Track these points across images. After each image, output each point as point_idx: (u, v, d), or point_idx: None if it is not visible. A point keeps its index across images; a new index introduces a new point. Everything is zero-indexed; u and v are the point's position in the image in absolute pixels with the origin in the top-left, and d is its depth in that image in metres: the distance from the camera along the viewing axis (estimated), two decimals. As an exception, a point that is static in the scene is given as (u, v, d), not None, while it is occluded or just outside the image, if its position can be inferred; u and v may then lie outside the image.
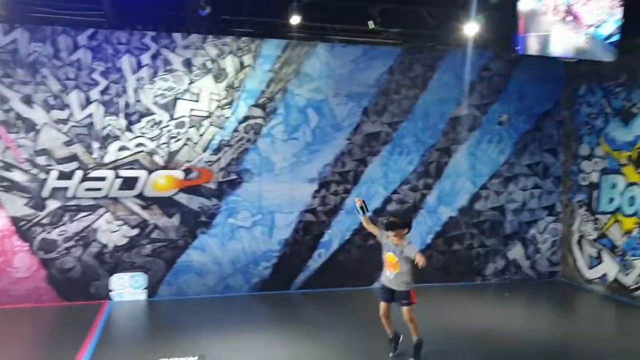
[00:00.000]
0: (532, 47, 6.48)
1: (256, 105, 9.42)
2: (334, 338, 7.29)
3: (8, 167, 8.51)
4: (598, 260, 9.95)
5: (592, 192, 10.12)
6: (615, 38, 6.70)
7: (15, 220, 8.58)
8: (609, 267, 9.69)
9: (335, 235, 9.91)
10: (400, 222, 6.39)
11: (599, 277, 9.94)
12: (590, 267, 10.16)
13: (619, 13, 6.76)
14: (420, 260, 5.97)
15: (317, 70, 9.62)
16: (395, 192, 10.14)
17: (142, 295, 9.07)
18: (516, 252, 10.75)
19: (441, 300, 9.31)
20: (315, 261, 9.82)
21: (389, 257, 6.44)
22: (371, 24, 8.56)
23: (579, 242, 10.43)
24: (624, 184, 9.37)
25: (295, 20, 8.29)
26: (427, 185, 10.29)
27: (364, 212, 6.68)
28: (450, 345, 7.19)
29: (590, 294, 9.93)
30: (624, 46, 7.64)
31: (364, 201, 6.74)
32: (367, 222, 6.77)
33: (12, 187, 8.55)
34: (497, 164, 10.59)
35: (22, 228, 8.61)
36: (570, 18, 6.47)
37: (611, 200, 9.66)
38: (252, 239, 9.50)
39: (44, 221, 8.69)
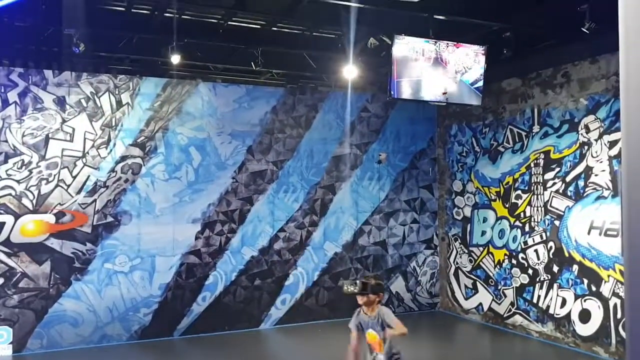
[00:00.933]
0: (405, 91, 6.84)
1: (135, 145, 9.07)
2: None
3: None
4: (474, 290, 10.51)
5: (465, 225, 10.75)
6: (479, 84, 7.23)
7: None
8: (484, 297, 10.26)
9: (221, 276, 9.67)
10: (374, 285, 5.02)
11: (474, 307, 10.49)
12: (467, 298, 10.70)
13: (482, 61, 7.34)
14: (402, 331, 4.87)
15: (199, 109, 9.49)
16: (282, 229, 10.14)
17: (7, 351, 8.22)
18: (398, 285, 11.09)
19: (329, 337, 9.33)
20: (200, 305, 9.49)
21: (370, 336, 5.06)
22: (254, 65, 8.62)
23: (456, 274, 10.98)
24: (494, 218, 10.05)
25: (175, 59, 8.16)
26: (312, 222, 10.39)
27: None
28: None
29: (468, 323, 10.44)
30: (489, 89, 8.31)
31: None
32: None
33: None
34: (378, 200, 10.96)
35: None
36: (439, 64, 6.92)
37: (483, 233, 10.31)
38: (130, 284, 9.01)
39: None
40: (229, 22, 7.86)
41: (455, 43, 7.07)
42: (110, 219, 8.89)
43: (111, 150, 8.91)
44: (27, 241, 8.39)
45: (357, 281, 5.01)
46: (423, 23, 7.17)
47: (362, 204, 10.82)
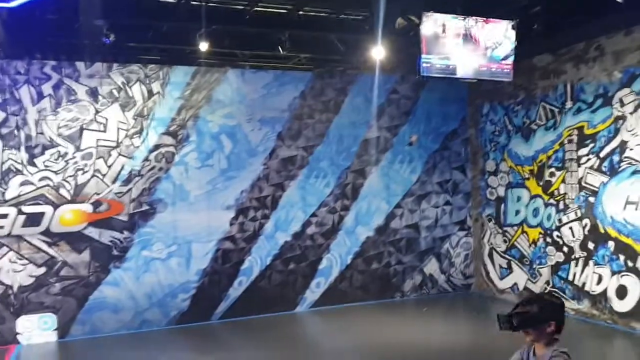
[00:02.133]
0: (435, 69, 6.79)
1: (167, 133, 9.22)
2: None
3: None
4: (508, 270, 10.42)
5: (499, 205, 10.64)
6: (510, 59, 7.13)
7: None
8: (519, 277, 10.17)
9: (256, 261, 9.80)
10: (536, 312, 3.04)
11: (509, 287, 10.40)
12: (502, 278, 10.62)
13: (512, 36, 7.22)
14: None
15: (228, 96, 9.58)
16: (313, 215, 10.20)
17: (52, 337, 8.53)
18: (432, 267, 11.06)
19: (363, 319, 9.40)
20: (236, 289, 9.64)
21: None
22: (281, 49, 8.64)
23: (490, 255, 10.90)
24: (528, 197, 9.92)
25: (203, 46, 8.24)
26: (344, 206, 10.42)
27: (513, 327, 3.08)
28: (369, 356, 7.25)
29: (503, 303, 10.33)
30: (520, 66, 8.17)
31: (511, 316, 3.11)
32: None
33: None
34: (410, 183, 10.91)
35: None
36: (469, 41, 6.84)
37: (517, 212, 10.19)
38: (168, 270, 9.20)
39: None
40: (255, 8, 7.89)
41: (484, 19, 6.97)
42: (145, 207, 9.08)
43: (144, 140, 9.08)
44: (66, 230, 8.64)
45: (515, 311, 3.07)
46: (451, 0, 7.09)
47: (394, 187, 10.79)
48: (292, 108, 10.02)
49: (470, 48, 6.89)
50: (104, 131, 8.87)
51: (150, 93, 9.14)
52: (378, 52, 8.82)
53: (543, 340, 3.07)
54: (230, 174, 9.59)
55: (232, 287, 9.62)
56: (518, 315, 3.06)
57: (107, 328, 8.86)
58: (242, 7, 7.92)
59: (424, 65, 6.69)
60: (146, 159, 9.09)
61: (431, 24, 6.76)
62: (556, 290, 9.26)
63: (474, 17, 6.88)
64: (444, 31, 6.86)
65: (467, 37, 6.86)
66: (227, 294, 9.59)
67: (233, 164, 9.61)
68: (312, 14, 8.38)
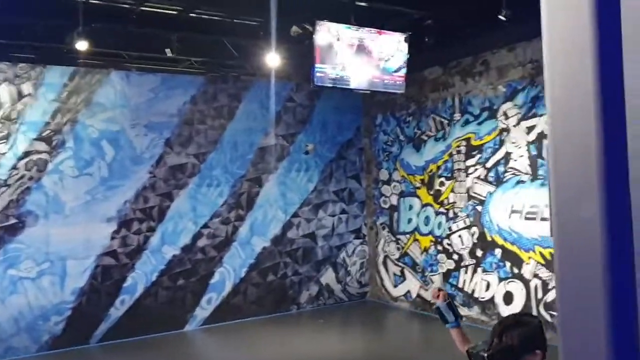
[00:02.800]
0: (328, 79, 6.63)
1: (39, 139, 8.37)
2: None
3: None
4: (402, 278, 10.53)
5: (392, 214, 10.74)
6: (403, 72, 7.14)
7: None
8: (412, 284, 10.30)
9: (140, 278, 9.15)
10: (516, 344, 2.55)
11: (403, 295, 10.51)
12: (395, 286, 10.71)
13: (405, 49, 7.24)
14: None
15: (111, 100, 8.88)
16: (205, 226, 9.72)
17: None
18: (328, 276, 10.94)
19: (258, 334, 9.07)
20: (118, 309, 8.93)
21: None
22: (169, 52, 8.14)
23: (384, 263, 10.97)
24: (419, 206, 10.07)
25: (82, 45, 7.55)
26: (239, 217, 10.04)
27: (446, 320, 3.27)
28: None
29: (397, 311, 10.45)
30: (411, 78, 8.26)
31: (449, 298, 3.37)
32: (460, 338, 3.25)
33: None
34: (307, 192, 10.74)
35: None
36: (362, 52, 6.74)
37: (409, 221, 10.33)
38: (39, 291, 8.33)
39: None
40: (142, 8, 7.37)
41: (377, 30, 6.92)
42: (13, 220, 8.17)
43: (12, 146, 8.17)
44: None
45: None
46: (345, 9, 6.98)
47: (290, 196, 10.57)
48: (182, 113, 9.49)
49: (364, 59, 6.80)
50: (-37, 136, 7.89)
51: (20, 94, 8.25)
52: (272, 59, 8.58)
53: None
54: (112, 183, 8.89)
55: (114, 307, 8.90)
56: (497, 355, 2.53)
57: (-33, 357, 7.86)
58: (128, 5, 7.36)
59: (318, 74, 6.51)
60: (14, 167, 8.19)
61: (325, 33, 6.60)
62: (449, 295, 9.43)
63: (367, 28, 6.81)
64: (338, 40, 6.71)
65: (361, 48, 6.76)
66: (107, 314, 8.85)
67: (115, 173, 8.92)
68: (204, 16, 7.98)
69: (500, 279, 8.49)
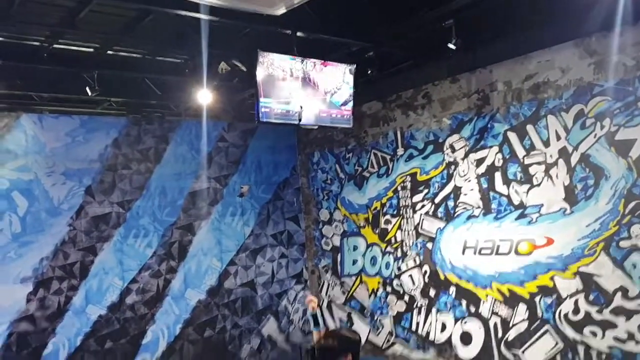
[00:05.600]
0: (274, 114, 6.12)
1: (-64, 193, 7.27)
2: None
3: None
4: (349, 323, 9.98)
5: (335, 255, 10.24)
6: (350, 105, 6.79)
7: None
8: (360, 329, 9.74)
9: (62, 343, 8.06)
10: (335, 346, 3.70)
11: (351, 341, 9.93)
12: (342, 331, 10.12)
13: (351, 81, 6.89)
14: None
15: (22, 146, 7.90)
16: (134, 281, 8.80)
17: None
18: (270, 327, 10.23)
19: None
20: (34, 382, 7.80)
21: None
22: (89, 91, 7.35)
23: (329, 307, 10.39)
24: (364, 246, 9.64)
25: (-14, 86, 6.65)
26: (170, 268, 9.19)
27: (316, 324, 4.42)
28: None
29: (345, 359, 9.85)
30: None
31: (319, 305, 4.59)
32: (317, 337, 4.33)
33: None
34: (243, 237, 10.08)
35: None
36: (308, 85, 6.32)
37: (354, 262, 9.86)
38: (-62, 371, 7.11)
39: None
40: (55, 45, 6.63)
41: (322, 61, 6.53)
42: None
43: None
44: None
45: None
46: (284, 42, 6.55)
47: (226, 242, 9.85)
48: (104, 158, 8.63)
49: (310, 92, 6.37)
50: None
51: None
52: (204, 97, 8.01)
53: None
54: (25, 239, 7.84)
55: (31, 380, 7.76)
56: (320, 349, 3.67)
57: None
58: (37, 42, 6.60)
59: (263, 110, 5.99)
60: None
61: (267, 65, 6.11)
62: (401, 340, 8.99)
63: (312, 59, 6.40)
64: (283, 72, 6.25)
65: (306, 81, 6.33)
66: (24, 390, 7.70)
67: (29, 227, 7.89)
68: (123, 54, 7.32)
69: (457, 319, 8.13)
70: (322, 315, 4.39)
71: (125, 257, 8.76)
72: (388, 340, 9.24)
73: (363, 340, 9.68)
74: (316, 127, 7.07)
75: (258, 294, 10.14)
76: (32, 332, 7.85)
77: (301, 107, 6.23)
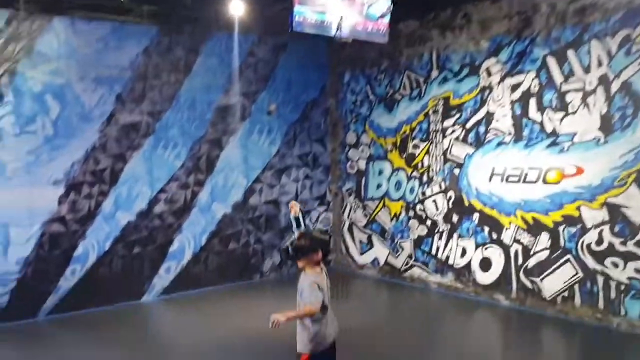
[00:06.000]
0: (308, 24, 5.97)
1: (-27, 91, 7.38)
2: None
3: None
4: (369, 245, 10.14)
5: (360, 179, 10.27)
6: (386, 19, 6.57)
7: None
8: (380, 252, 9.93)
9: (92, 246, 8.36)
10: (307, 246, 4.25)
11: (370, 262, 10.14)
12: (362, 253, 10.33)
13: (389, -8, 6.64)
14: (278, 319, 3.89)
15: (54, 49, 7.90)
16: (162, 190, 8.97)
17: None
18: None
19: (219, 304, 8.52)
20: (68, 280, 8.15)
21: None
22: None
23: (350, 230, 10.54)
24: (390, 170, 9.63)
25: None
26: (198, 181, 9.33)
27: (298, 226, 4.76)
28: (231, 346, 6.44)
29: (363, 279, 10.09)
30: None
31: (301, 209, 4.88)
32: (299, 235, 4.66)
33: None
34: (269, 156, 10.13)
35: None
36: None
37: (378, 186, 9.89)
38: (-23, 261, 7.46)
39: None
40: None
41: (360, -31, 6.28)
42: (-56, 182, 7.23)
43: (-60, 98, 7.17)
44: None
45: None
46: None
47: (252, 160, 9.92)
48: (135, 66, 8.61)
49: (347, 2, 6.16)
50: None
51: (-52, 39, 7.21)
52: (235, 8, 7.83)
53: (312, 264, 4.20)
54: (57, 142, 7.99)
55: (64, 278, 8.11)
56: (294, 248, 4.23)
57: None
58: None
59: (297, 19, 5.83)
60: (-56, 123, 7.20)
61: (303, -29, 5.90)
62: (419, 264, 9.14)
63: (350, -33, 6.16)
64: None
65: (343, -9, 6.11)
66: (57, 285, 8.06)
67: (61, 131, 8.01)
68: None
69: (478, 245, 8.19)
70: (303, 218, 4.80)
71: (154, 166, 8.89)
72: (407, 263, 9.39)
73: (382, 262, 9.87)
74: (350, 40, 6.89)
75: (281, 212, 10.29)
76: (63, 234, 8.13)
77: (341, 18, 6.04)
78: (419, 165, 9.05)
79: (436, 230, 8.83)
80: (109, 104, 8.40)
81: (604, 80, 6.64)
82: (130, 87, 8.58)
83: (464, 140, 8.28)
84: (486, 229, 8.03)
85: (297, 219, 4.85)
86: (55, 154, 7.98)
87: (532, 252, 7.47)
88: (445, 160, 8.61)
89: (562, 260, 7.20)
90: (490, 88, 7.84)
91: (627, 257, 6.55)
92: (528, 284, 7.56)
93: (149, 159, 8.83)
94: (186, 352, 6.63)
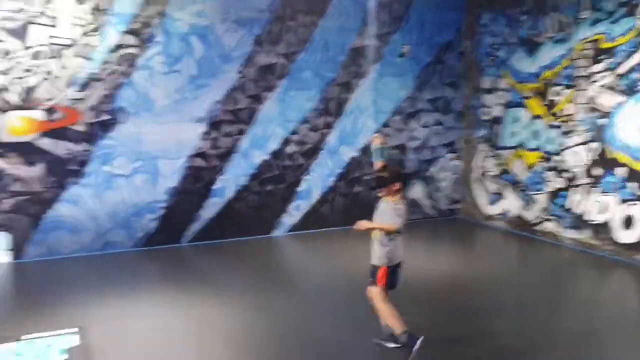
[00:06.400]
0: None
1: (129, 32, 8.02)
2: (231, 294, 6.44)
3: None
4: (500, 196, 9.81)
5: (494, 126, 9.86)
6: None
7: None
8: (511, 203, 9.58)
9: (230, 181, 8.93)
10: (387, 178, 4.72)
11: (500, 213, 9.83)
12: (491, 204, 10.02)
13: None
14: (360, 225, 4.65)
15: (199, -10, 8.32)
16: (294, 132, 9.28)
17: (6, 257, 7.68)
18: (417, 191, 10.39)
19: (345, 243, 8.76)
20: (208, 211, 8.84)
21: None
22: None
23: (480, 179, 10.24)
24: (527, 118, 9.14)
25: None
26: (327, 124, 9.52)
27: (381, 157, 5.13)
28: (356, 284, 6.65)
29: (491, 230, 9.84)
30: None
31: (384, 142, 5.30)
32: (378, 166, 5.13)
33: None
34: (399, 100, 10.02)
35: None
36: None
37: (514, 134, 9.44)
38: (132, 189, 8.30)
39: None
40: None
41: None
42: (105, 116, 8.03)
43: (103, 38, 7.88)
44: (16, 140, 7.59)
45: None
46: None
47: (382, 103, 9.88)
48: (273, 8, 8.83)
49: None
50: (54, 26, 7.62)
51: (108, -17, 7.84)
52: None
53: (392, 193, 4.73)
54: (200, 81, 8.51)
55: (204, 208, 8.81)
56: (376, 179, 4.82)
57: (66, 250, 8.03)
58: None
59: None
60: (106, 61, 7.93)
61: None
62: (553, 217, 8.70)
63: None
64: None
65: None
66: (198, 215, 8.79)
67: (204, 71, 8.51)
68: None
69: (621, 201, 7.61)
70: (384, 150, 5.27)
71: (287, 108, 9.18)
72: (539, 217, 8.99)
73: (512, 214, 9.53)
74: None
75: (408, 158, 10.23)
76: (205, 168, 8.76)
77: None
78: (560, 113, 8.48)
79: (574, 184, 8.31)
80: (248, 45, 8.73)
81: None
82: (268, 29, 8.83)
83: (614, 87, 7.59)
84: (633, 184, 7.41)
85: (381, 150, 5.25)
86: (199, 93, 8.52)
87: (685, 212, 6.81)
88: (590, 109, 7.98)
89: None
90: (650, 29, 7.06)
91: None
92: (677, 247, 6.94)
93: (283, 101, 9.12)
94: (313, 284, 6.97)
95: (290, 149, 9.31)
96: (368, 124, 9.83)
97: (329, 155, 9.62)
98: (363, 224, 4.62)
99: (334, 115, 9.56)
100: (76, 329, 5.33)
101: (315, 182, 9.59)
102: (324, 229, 9.57)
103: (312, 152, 9.48)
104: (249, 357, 4.95)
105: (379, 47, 9.70)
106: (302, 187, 9.48)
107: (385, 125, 9.94)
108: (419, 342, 4.53)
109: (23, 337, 5.16)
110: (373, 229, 4.72)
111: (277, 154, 9.20)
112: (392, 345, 4.84)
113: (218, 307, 6.07)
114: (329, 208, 9.73)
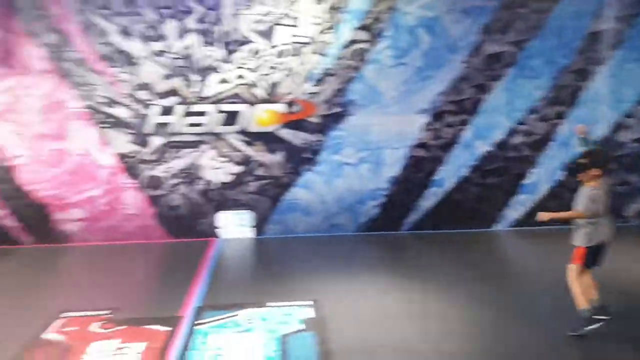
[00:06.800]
0: None
1: (362, 28, 8.48)
2: (453, 285, 6.50)
3: (111, 103, 8.35)
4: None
5: None
6: None
7: (121, 157, 8.49)
8: None
9: (450, 172, 8.94)
10: (586, 164, 4.94)
11: None
12: None
13: None
14: (542, 216, 4.94)
15: (429, -18, 8.42)
16: (520, 122, 8.91)
17: (249, 233, 8.80)
18: (667, 187, 9.19)
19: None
20: (428, 201, 8.98)
21: None
22: None
23: None
24: None
25: None
26: (559, 114, 8.93)
27: (585, 145, 5.47)
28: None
29: None
30: None
31: (586, 131, 5.70)
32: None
33: (117, 123, 8.41)
34: (644, 88, 8.95)
35: (128, 165, 8.52)
36: None
37: None
38: (358, 176, 8.81)
39: (149, 158, 8.53)
40: None
41: None
42: (337, 109, 8.64)
43: (338, 35, 8.46)
44: (262, 130, 8.59)
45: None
46: None
47: (625, 91, 8.94)
48: (502, -4, 8.56)
49: None
50: (296, 26, 8.41)
51: (343, -19, 8.38)
52: None
53: (591, 179, 4.90)
54: (425, 73, 8.64)
55: (424, 198, 8.97)
56: (576, 165, 5.04)
57: (299, 229, 8.89)
58: None
59: None
60: (339, 57, 8.52)
61: None
62: None
63: None
64: None
65: None
66: (418, 204, 8.98)
67: (429, 62, 8.62)
68: None
69: None
70: (587, 140, 5.67)
71: (515, 97, 8.84)
72: None
73: None
74: None
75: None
76: (426, 158, 8.89)
77: None
78: None
79: None
80: (473, 34, 8.61)
81: None
82: (496, 18, 8.59)
83: None
84: None
85: (584, 139, 5.63)
86: (423, 85, 8.66)
87: None
88: None
89: None
90: None
91: None
92: None
93: (510, 90, 8.81)
94: (539, 283, 6.67)
95: (516, 139, 8.95)
96: (607, 114, 8.98)
97: (561, 147, 9.01)
98: (544, 215, 4.87)
99: (566, 105, 8.93)
100: (311, 302, 5.91)
101: (543, 175, 9.09)
102: (550, 226, 9.01)
103: (540, 144, 8.99)
104: (475, 349, 4.94)
105: (621, 30, 8.78)
106: (528, 180, 9.06)
107: (628, 115, 8.98)
108: (597, 325, 4.82)
109: (267, 304, 5.89)
110: (557, 219, 4.92)
111: (501, 145, 8.94)
112: (597, 322, 4.91)
113: (441, 295, 6.19)
114: (557, 204, 9.12)
